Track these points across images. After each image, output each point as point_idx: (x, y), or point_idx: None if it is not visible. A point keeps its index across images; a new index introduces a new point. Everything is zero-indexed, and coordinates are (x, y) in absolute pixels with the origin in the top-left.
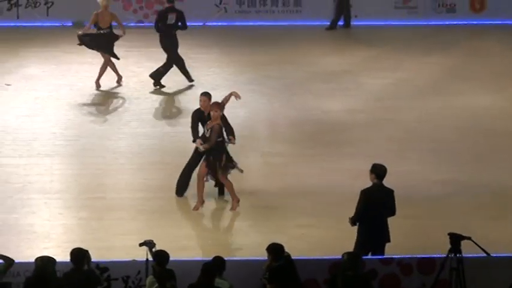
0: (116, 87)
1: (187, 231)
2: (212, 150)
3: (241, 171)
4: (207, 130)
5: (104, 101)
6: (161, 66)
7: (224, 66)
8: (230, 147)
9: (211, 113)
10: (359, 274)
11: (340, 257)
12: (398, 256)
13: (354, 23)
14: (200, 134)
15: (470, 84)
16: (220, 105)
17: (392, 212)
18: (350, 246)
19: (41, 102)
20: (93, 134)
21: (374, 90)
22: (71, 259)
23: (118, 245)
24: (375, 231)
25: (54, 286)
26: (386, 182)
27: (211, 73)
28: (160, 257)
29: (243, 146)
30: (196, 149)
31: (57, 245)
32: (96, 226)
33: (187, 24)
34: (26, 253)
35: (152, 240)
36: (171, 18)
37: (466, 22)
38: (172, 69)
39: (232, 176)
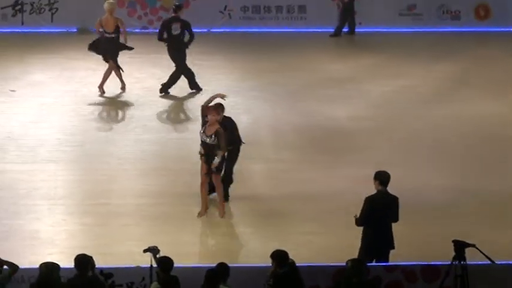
0: (120, 93)
1: (191, 238)
2: (209, 154)
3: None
4: (211, 136)
5: (109, 107)
6: (169, 79)
7: (228, 73)
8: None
9: (209, 117)
10: (363, 281)
11: (344, 264)
12: (403, 263)
13: (358, 30)
14: (200, 133)
15: (474, 91)
16: (219, 109)
17: (395, 219)
18: (354, 253)
19: (46, 108)
20: (98, 140)
21: (378, 97)
22: (75, 265)
23: (122, 251)
24: (379, 238)
25: None
26: (391, 188)
27: (215, 79)
28: (165, 263)
29: (246, 152)
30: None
31: (61, 251)
32: (100, 232)
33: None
34: (30, 259)
35: (156, 247)
36: (176, 28)
37: (470, 29)
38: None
39: (236, 181)
